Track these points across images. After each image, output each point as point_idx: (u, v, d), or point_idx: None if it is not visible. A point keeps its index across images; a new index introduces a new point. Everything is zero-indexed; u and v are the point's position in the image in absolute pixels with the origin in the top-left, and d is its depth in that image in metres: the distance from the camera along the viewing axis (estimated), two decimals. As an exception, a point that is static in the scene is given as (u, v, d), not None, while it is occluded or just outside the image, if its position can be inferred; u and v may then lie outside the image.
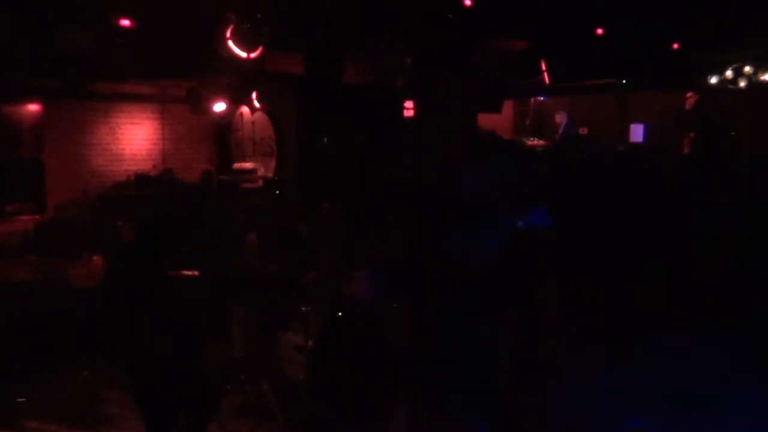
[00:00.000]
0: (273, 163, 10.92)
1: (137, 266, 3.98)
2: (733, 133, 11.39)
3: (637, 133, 12.70)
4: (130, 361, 3.97)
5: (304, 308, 5.23)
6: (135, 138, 10.62)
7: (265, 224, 7.07)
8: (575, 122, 12.94)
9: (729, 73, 11.57)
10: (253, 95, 10.34)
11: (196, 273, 5.13)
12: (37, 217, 9.08)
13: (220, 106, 9.80)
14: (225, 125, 11.44)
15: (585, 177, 8.29)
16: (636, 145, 12.38)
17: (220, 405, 4.35)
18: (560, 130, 12.70)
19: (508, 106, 13.24)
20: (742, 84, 11.63)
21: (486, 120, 11.91)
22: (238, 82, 9.62)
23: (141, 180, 9.84)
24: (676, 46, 10.47)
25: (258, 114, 11.02)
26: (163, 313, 3.93)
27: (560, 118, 12.84)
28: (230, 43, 7.65)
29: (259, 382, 5.29)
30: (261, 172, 10.83)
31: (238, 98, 10.27)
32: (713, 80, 11.66)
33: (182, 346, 4.03)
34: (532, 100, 13.97)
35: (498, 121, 12.81)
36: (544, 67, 11.04)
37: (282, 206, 8.71)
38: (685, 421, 5.00)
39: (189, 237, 4.31)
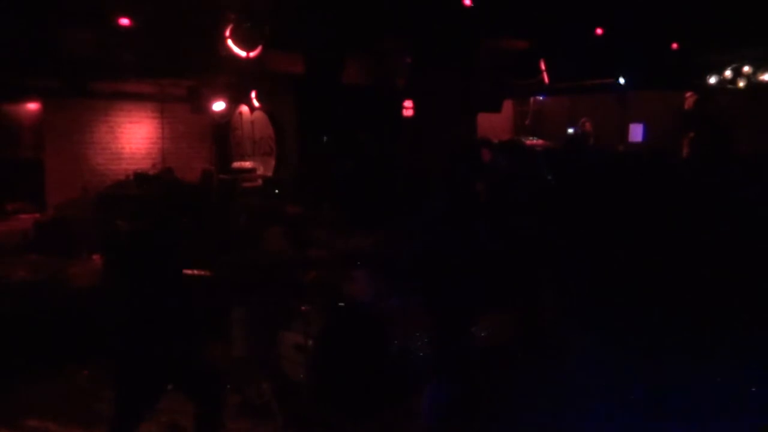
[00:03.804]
0: (272, 163, 10.93)
1: (135, 259, 3.98)
2: (732, 133, 11.41)
3: (636, 133, 12.69)
4: (125, 359, 3.96)
5: (304, 308, 5.24)
6: (134, 137, 10.63)
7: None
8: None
9: (728, 73, 11.59)
10: (253, 94, 10.35)
11: (207, 273, 5.11)
12: (37, 215, 9.09)
13: (219, 106, 9.81)
14: (224, 124, 11.45)
15: (587, 177, 8.29)
16: (636, 145, 12.37)
17: (221, 401, 4.35)
18: (592, 139, 12.53)
19: (507, 106, 13.25)
20: (742, 84, 11.65)
21: (486, 120, 11.93)
22: (237, 81, 9.63)
23: (140, 179, 9.84)
24: (675, 46, 10.49)
25: (257, 113, 11.03)
26: (166, 310, 3.93)
27: (589, 125, 12.69)
28: (230, 42, 7.66)
29: (259, 381, 5.30)
30: (260, 171, 10.84)
31: (237, 97, 10.28)
32: (713, 80, 11.68)
33: (185, 344, 4.04)
34: (532, 99, 13.97)
35: (498, 121, 12.82)
36: (543, 67, 11.05)
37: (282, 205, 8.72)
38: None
39: (186, 233, 4.28)
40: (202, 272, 4.90)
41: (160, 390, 4.11)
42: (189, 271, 5.06)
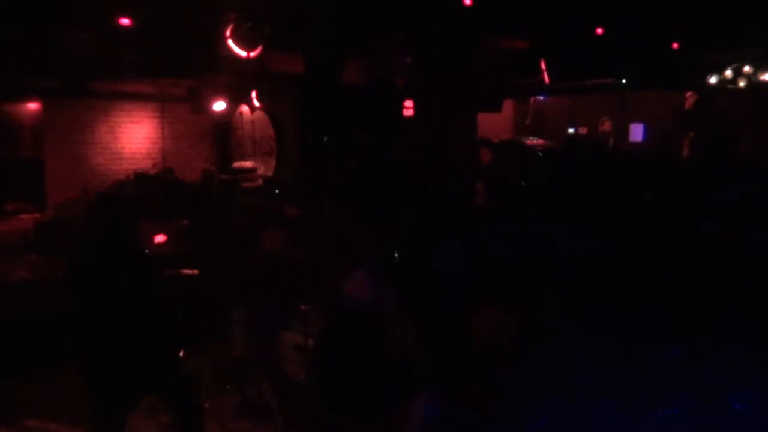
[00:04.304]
0: (273, 163, 10.94)
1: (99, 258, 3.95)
2: (733, 133, 11.41)
3: (637, 132, 12.71)
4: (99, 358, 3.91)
5: (304, 308, 5.24)
6: (135, 137, 10.63)
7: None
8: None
9: (729, 73, 11.59)
10: (253, 94, 10.35)
11: (195, 272, 5.12)
12: (37, 215, 9.09)
13: (220, 105, 9.82)
14: (225, 124, 11.46)
15: (589, 177, 8.29)
16: (636, 144, 12.39)
17: (200, 405, 4.33)
18: (611, 140, 12.54)
19: (508, 106, 13.26)
20: (742, 84, 11.65)
21: (486, 120, 11.93)
22: (238, 81, 9.63)
23: (141, 179, 9.84)
24: (676, 46, 10.48)
25: (258, 113, 11.03)
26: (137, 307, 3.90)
27: (609, 125, 12.71)
28: (230, 42, 7.66)
29: (259, 381, 5.30)
30: (261, 171, 10.85)
31: (238, 97, 10.28)
32: (713, 80, 11.68)
33: (160, 344, 4.00)
34: (532, 99, 13.98)
35: (498, 120, 12.82)
36: (544, 67, 11.05)
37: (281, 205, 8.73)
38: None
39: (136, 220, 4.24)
40: (198, 272, 4.91)
41: (134, 396, 4.08)
42: (188, 271, 5.08)
